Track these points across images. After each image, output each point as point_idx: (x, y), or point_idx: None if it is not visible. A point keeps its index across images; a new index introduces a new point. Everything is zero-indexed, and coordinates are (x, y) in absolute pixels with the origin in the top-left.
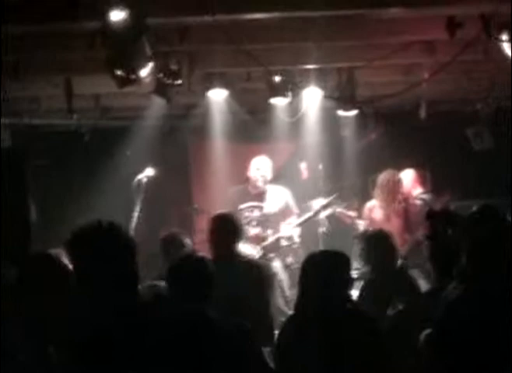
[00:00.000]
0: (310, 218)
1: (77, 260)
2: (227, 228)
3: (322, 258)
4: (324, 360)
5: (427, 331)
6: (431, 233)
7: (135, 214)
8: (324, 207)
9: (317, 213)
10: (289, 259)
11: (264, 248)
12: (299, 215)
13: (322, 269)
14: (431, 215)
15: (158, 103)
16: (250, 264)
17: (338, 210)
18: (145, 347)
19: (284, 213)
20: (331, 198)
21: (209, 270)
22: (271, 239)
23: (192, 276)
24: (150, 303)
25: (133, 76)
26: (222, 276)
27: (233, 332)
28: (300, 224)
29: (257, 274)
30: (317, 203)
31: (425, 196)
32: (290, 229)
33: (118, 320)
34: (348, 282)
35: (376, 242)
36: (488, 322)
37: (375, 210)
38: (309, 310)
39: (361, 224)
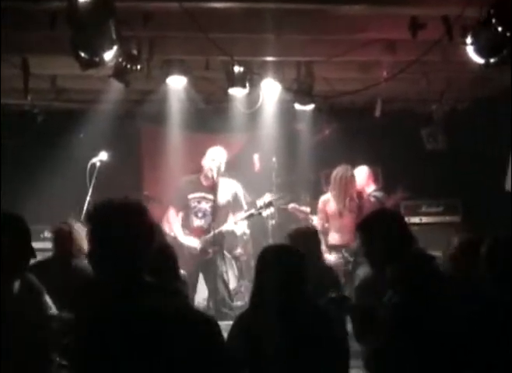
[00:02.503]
0: (252, 215)
1: (97, 233)
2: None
3: (281, 253)
4: (287, 355)
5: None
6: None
7: (87, 199)
8: (267, 205)
9: (259, 210)
10: (238, 251)
11: (204, 240)
12: (247, 210)
13: (282, 264)
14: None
15: (115, 87)
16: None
17: (291, 205)
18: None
19: (233, 207)
20: (274, 197)
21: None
22: (212, 232)
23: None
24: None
25: (97, 59)
26: None
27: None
28: (242, 220)
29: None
30: (261, 200)
31: (378, 193)
32: (232, 224)
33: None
34: (306, 276)
35: (295, 239)
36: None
37: (329, 203)
38: (270, 305)
39: (314, 220)
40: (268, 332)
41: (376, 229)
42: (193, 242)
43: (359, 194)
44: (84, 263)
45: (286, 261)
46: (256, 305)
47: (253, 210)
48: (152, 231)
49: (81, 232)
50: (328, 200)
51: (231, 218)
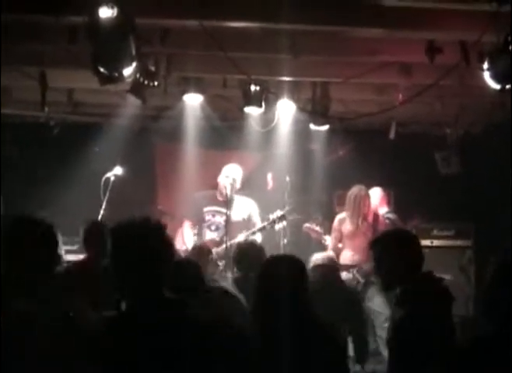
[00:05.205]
0: (264, 228)
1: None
2: None
3: (285, 265)
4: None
5: None
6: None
7: (101, 212)
8: (279, 218)
9: (272, 223)
10: None
11: (216, 253)
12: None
13: (285, 276)
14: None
15: (132, 103)
16: None
17: (306, 225)
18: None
19: (247, 224)
20: (286, 210)
21: None
22: (224, 245)
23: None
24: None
25: (116, 74)
26: None
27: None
28: (253, 234)
29: None
30: (274, 214)
31: (391, 215)
32: (244, 238)
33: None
34: (307, 286)
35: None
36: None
37: (345, 223)
38: (274, 318)
39: (327, 240)
40: (268, 343)
41: (389, 247)
42: None
43: (374, 215)
44: None
45: (288, 271)
46: (257, 316)
47: (265, 223)
48: (170, 249)
49: None
50: (344, 219)
51: (243, 233)
